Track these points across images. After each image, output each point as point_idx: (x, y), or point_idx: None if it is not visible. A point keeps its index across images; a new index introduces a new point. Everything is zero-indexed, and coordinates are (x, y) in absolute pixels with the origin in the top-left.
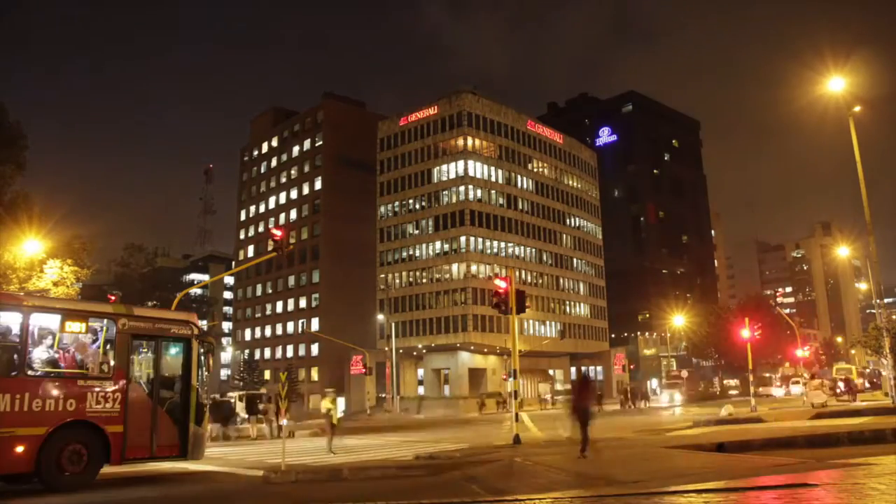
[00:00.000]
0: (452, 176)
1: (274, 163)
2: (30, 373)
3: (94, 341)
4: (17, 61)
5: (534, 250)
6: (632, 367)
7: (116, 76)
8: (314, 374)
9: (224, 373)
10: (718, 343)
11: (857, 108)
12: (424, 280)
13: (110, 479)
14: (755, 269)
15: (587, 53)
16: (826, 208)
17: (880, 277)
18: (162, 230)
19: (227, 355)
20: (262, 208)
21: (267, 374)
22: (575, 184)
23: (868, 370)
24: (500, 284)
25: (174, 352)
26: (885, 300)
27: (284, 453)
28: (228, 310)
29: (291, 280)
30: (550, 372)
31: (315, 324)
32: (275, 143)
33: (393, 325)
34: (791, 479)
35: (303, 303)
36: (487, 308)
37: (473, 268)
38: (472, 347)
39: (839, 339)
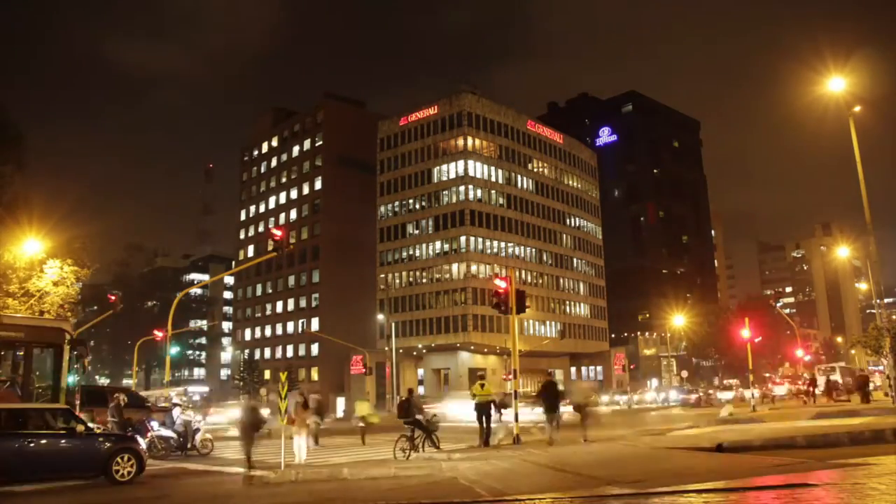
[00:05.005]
0: (452, 176)
1: (274, 163)
2: None
3: None
4: (17, 61)
5: (534, 250)
6: (632, 367)
7: (116, 75)
8: (314, 374)
9: (224, 373)
10: (718, 343)
11: (857, 108)
12: (424, 280)
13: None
14: (755, 269)
15: (586, 53)
16: (826, 208)
17: (880, 277)
18: (162, 230)
19: (227, 355)
20: (262, 208)
21: (267, 374)
22: (575, 184)
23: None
24: (500, 284)
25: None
26: (885, 300)
27: (284, 453)
28: (228, 310)
29: (291, 280)
30: (550, 372)
31: (315, 324)
32: (275, 143)
33: (393, 324)
34: (791, 479)
35: (303, 303)
36: (487, 308)
37: (473, 268)
38: (472, 347)
39: (839, 339)
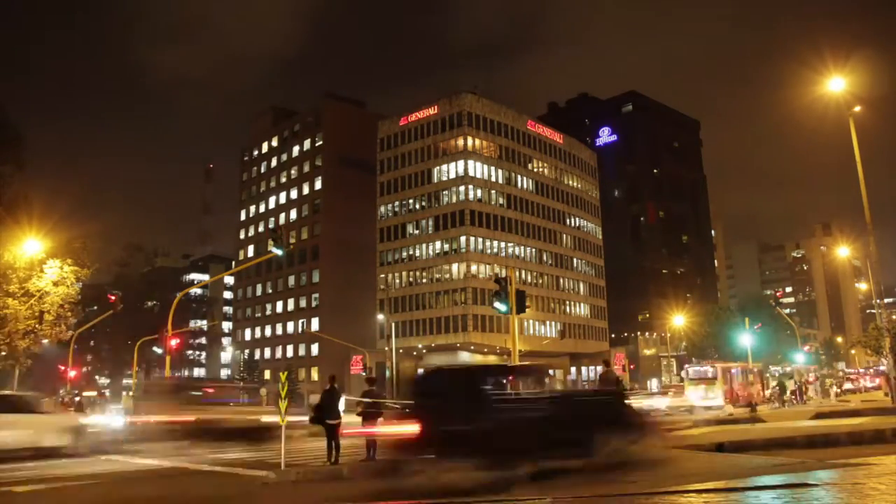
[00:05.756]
0: (452, 176)
1: (274, 163)
2: None
3: None
4: (17, 61)
5: (534, 250)
6: (632, 366)
7: (116, 76)
8: (314, 374)
9: (224, 373)
10: (718, 343)
11: (857, 108)
12: (424, 280)
13: (116, 475)
14: (755, 269)
15: (588, 53)
16: (826, 208)
17: (880, 277)
18: (162, 230)
19: (227, 355)
20: (262, 208)
21: (267, 374)
22: (575, 184)
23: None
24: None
25: None
26: (885, 300)
27: (284, 453)
28: (228, 310)
29: (291, 280)
30: (551, 372)
31: (315, 324)
32: (275, 143)
33: (393, 324)
34: (791, 479)
35: (303, 303)
36: (487, 308)
37: (473, 268)
38: (472, 347)
39: (839, 339)
